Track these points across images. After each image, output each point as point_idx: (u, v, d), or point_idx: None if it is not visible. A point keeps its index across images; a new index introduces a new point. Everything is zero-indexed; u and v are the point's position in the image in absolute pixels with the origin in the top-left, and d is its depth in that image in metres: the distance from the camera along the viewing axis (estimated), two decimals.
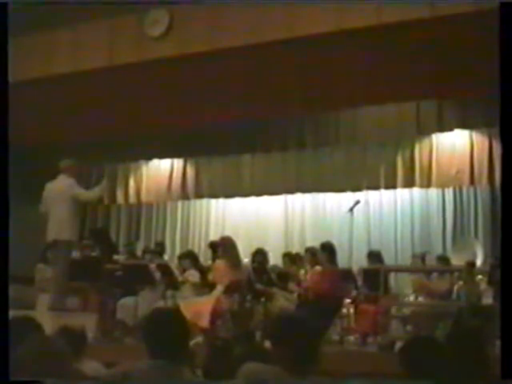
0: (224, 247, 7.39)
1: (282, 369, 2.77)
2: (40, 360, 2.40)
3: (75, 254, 8.23)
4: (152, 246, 10.38)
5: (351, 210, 8.19)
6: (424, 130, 9.80)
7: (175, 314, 3.15)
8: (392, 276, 8.38)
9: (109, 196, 11.93)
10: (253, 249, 8.70)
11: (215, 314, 6.81)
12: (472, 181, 9.49)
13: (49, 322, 4.82)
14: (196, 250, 10.25)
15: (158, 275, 7.90)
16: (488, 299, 7.10)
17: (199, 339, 6.70)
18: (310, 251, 8.07)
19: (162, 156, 11.72)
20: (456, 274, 7.63)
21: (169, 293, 7.86)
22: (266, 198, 11.41)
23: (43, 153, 10.55)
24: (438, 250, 9.51)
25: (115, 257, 8.64)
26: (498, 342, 5.24)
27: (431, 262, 8.40)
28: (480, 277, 7.61)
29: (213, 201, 11.89)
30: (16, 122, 3.30)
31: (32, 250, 8.60)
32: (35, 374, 2.31)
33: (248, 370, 2.84)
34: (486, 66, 4.25)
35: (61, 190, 7.28)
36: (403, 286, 8.72)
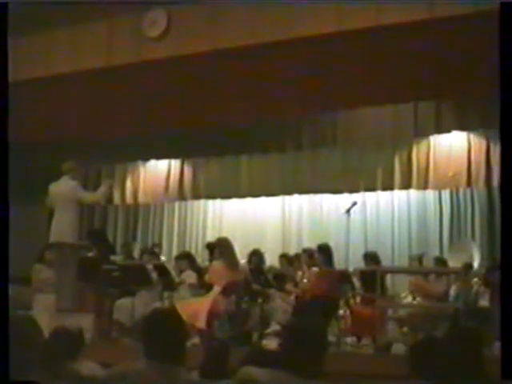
0: (221, 248, 7.39)
1: (279, 371, 2.76)
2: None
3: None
4: (149, 246, 10.37)
5: (348, 211, 8.19)
6: (421, 132, 9.79)
7: (172, 315, 3.15)
8: (389, 277, 8.38)
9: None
10: (250, 250, 8.70)
11: (212, 315, 6.81)
12: (469, 182, 9.48)
13: (46, 323, 4.81)
14: (193, 251, 10.25)
15: (155, 276, 7.90)
16: (485, 301, 7.10)
17: (196, 340, 6.70)
18: (307, 252, 8.07)
19: (159, 157, 11.71)
20: (453, 275, 7.64)
21: (166, 293, 7.86)
22: (263, 199, 11.41)
23: (41, 152, 10.54)
24: (435, 252, 9.51)
25: (112, 257, 8.63)
26: (495, 343, 5.27)
27: (428, 263, 8.41)
28: (476, 279, 7.62)
29: (210, 202, 11.89)
30: (15, 122, 3.29)
31: (29, 250, 8.57)
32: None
33: (244, 375, 2.83)
34: (486, 67, 4.25)
35: (64, 191, 7.32)
36: (400, 287, 8.72)
